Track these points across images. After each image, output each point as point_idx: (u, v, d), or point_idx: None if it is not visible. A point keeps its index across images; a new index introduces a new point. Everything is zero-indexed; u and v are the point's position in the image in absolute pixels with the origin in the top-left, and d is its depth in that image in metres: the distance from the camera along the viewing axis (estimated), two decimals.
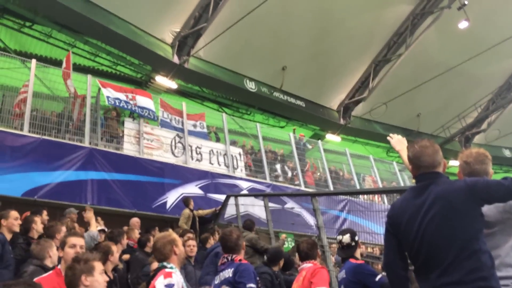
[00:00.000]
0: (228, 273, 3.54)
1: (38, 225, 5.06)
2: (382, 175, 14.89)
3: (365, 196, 13.22)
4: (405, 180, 14.70)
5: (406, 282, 2.44)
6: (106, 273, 4.12)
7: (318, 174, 14.07)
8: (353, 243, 3.91)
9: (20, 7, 13.10)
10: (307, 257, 3.96)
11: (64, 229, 4.89)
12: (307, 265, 3.88)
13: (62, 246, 3.45)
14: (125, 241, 5.73)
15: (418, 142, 2.49)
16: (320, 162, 14.21)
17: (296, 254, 4.97)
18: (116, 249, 4.45)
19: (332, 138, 19.24)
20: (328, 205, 11.26)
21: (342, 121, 19.44)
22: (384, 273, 3.54)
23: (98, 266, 2.76)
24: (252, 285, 3.37)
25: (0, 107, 9.87)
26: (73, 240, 3.49)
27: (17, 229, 5.03)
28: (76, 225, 6.49)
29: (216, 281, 3.59)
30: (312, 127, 19.81)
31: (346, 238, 3.93)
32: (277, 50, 16.51)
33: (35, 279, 3.21)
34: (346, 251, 3.91)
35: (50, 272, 3.38)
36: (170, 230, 4.55)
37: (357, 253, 3.90)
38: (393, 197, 13.65)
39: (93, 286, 2.67)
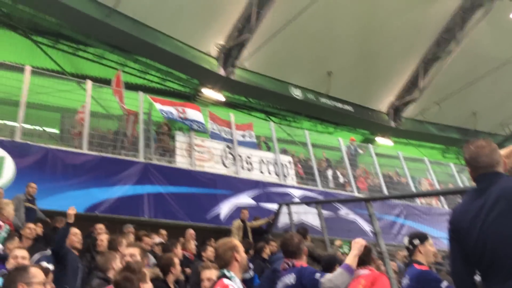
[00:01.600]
0: (289, 278, 3.50)
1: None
2: (439, 178, 14.31)
3: (423, 200, 12.75)
4: (464, 181, 14.06)
5: None
6: (167, 284, 4.22)
7: (371, 179, 13.75)
8: (411, 246, 3.74)
9: (73, 32, 13.84)
10: (362, 262, 3.81)
11: (125, 241, 5.03)
12: (364, 271, 3.73)
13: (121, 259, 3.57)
14: (179, 250, 5.79)
15: (473, 143, 2.38)
16: (372, 167, 13.89)
17: None
18: (178, 262, 4.51)
19: (383, 142, 18.77)
20: (383, 211, 10.99)
21: (392, 124, 18.93)
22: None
23: (147, 273, 2.86)
24: (319, 274, 3.35)
25: (60, 128, 10.44)
26: (130, 251, 3.62)
27: (78, 245, 5.27)
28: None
29: (278, 287, 3.56)
30: (362, 132, 19.43)
31: (405, 241, 3.80)
32: (322, 55, 16.38)
33: None
34: (409, 254, 3.79)
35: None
36: (231, 238, 4.55)
37: (419, 258, 3.71)
38: (452, 200, 13.16)
39: None
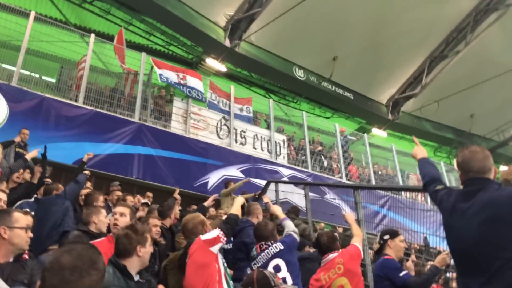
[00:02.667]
0: (275, 247, 3.68)
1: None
2: None
3: (408, 194, 12.90)
4: (452, 181, 14.21)
5: None
6: None
7: (361, 168, 13.85)
8: (381, 241, 3.91)
9: None
10: (328, 250, 3.93)
11: (101, 198, 5.02)
12: (333, 254, 3.84)
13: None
14: (173, 215, 5.87)
15: (467, 147, 2.44)
16: (364, 156, 13.97)
17: None
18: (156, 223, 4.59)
19: (378, 133, 18.80)
20: (369, 200, 11.08)
21: (390, 116, 18.94)
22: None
23: (149, 238, 2.89)
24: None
25: (58, 78, 10.38)
26: (120, 209, 3.65)
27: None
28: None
29: (259, 263, 3.63)
30: (358, 120, 19.44)
31: (377, 238, 3.99)
32: (330, 39, 16.23)
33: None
34: (378, 250, 3.95)
35: (103, 238, 3.53)
36: (198, 213, 4.68)
37: (389, 251, 3.84)
38: None
39: (144, 257, 2.78)
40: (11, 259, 2.59)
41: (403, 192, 12.69)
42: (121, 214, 3.64)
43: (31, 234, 2.65)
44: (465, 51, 17.11)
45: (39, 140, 8.02)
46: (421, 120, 19.62)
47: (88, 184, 6.77)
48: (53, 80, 10.89)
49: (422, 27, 16.48)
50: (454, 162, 3.13)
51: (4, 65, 9.60)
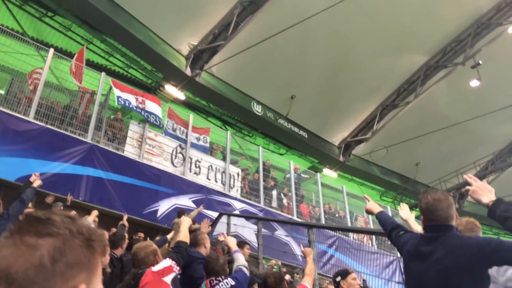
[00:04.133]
0: (226, 284, 3.54)
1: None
2: (374, 218, 14.76)
3: (355, 235, 13.11)
4: None
5: None
6: None
7: (312, 206, 13.99)
8: (335, 285, 3.94)
9: None
10: None
11: None
12: None
13: None
14: (125, 245, 5.59)
15: (431, 193, 2.42)
16: (315, 195, 14.15)
17: None
18: (108, 251, 4.36)
19: (329, 173, 19.22)
20: (318, 239, 11.17)
21: (341, 158, 19.47)
22: None
23: None
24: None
25: (7, 89, 9.87)
26: None
27: None
28: None
29: None
30: (311, 159, 19.81)
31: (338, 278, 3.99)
32: (290, 79, 16.66)
33: None
34: None
35: None
36: (149, 241, 4.51)
37: None
38: (383, 241, 13.63)
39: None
40: None
41: (350, 234, 12.88)
42: None
43: None
44: (414, 102, 18.08)
45: None
46: (370, 164, 20.31)
47: (30, 204, 6.35)
48: (2, 92, 10.37)
49: (376, 76, 17.33)
50: (400, 208, 3.28)
51: None
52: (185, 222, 3.67)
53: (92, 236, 0.77)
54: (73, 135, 9.33)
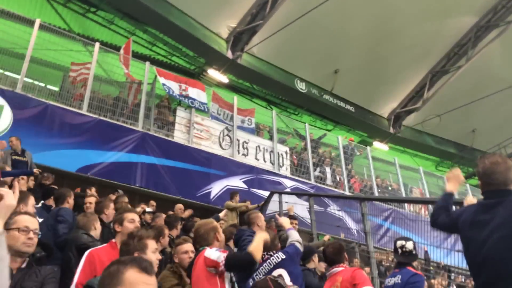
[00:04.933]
0: (277, 257, 3.61)
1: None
2: (430, 189, 14.37)
3: (411, 207, 12.81)
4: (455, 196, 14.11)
5: None
6: None
7: (364, 181, 13.78)
8: (414, 252, 3.85)
9: None
10: (333, 262, 3.83)
11: (112, 205, 5.00)
12: (338, 269, 3.73)
13: (120, 221, 3.50)
14: (179, 226, 5.78)
15: (488, 157, 2.36)
16: (366, 169, 13.91)
17: None
18: (167, 233, 4.54)
19: (380, 146, 18.77)
20: (372, 213, 11.03)
21: (391, 130, 18.95)
22: None
23: (151, 244, 2.79)
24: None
25: (61, 86, 10.35)
26: (131, 215, 3.54)
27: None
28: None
29: (261, 274, 3.56)
30: (360, 133, 19.44)
31: (410, 244, 3.93)
32: (332, 53, 16.29)
33: (90, 250, 3.30)
34: (408, 257, 3.87)
35: (105, 244, 3.45)
36: (210, 218, 4.59)
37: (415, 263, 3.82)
38: None
39: None
40: (23, 265, 2.51)
41: (406, 206, 12.61)
42: (131, 221, 3.55)
43: (31, 235, 2.52)
44: (466, 66, 17.17)
45: (43, 147, 7.98)
46: (422, 135, 19.64)
47: (93, 190, 6.69)
48: (56, 88, 10.87)
49: (423, 42, 16.57)
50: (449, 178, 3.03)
51: (7, 73, 9.57)
52: (261, 236, 3.31)
53: None
54: (125, 124, 9.67)
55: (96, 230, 4.04)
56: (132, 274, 1.53)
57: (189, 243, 3.88)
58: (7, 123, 7.90)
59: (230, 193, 9.15)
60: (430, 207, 13.10)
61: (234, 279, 3.19)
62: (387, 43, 16.36)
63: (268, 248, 3.71)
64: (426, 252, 8.69)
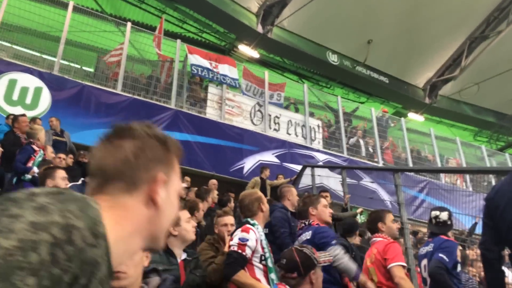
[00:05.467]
0: (306, 236, 3.62)
1: None
2: (468, 160, 14.03)
3: (448, 178, 12.57)
4: (493, 165, 13.74)
5: (496, 262, 2.34)
6: None
7: (398, 152, 13.58)
8: (449, 222, 3.83)
9: None
10: (370, 231, 3.88)
11: None
12: (376, 239, 3.76)
13: None
14: (210, 199, 5.91)
15: None
16: (401, 141, 13.69)
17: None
18: (202, 207, 4.64)
19: (415, 117, 18.35)
20: (407, 184, 10.93)
21: (427, 100, 18.44)
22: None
23: (183, 215, 2.87)
24: (335, 241, 3.40)
25: (96, 66, 10.62)
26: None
27: None
28: None
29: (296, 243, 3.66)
30: (394, 105, 19.03)
31: (444, 215, 3.88)
32: (364, 23, 15.86)
33: None
34: (441, 227, 3.85)
35: None
36: (256, 189, 4.67)
37: (450, 233, 3.80)
38: (479, 183, 12.93)
39: (182, 234, 2.82)
40: None
41: (442, 177, 12.38)
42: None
43: None
44: (507, 31, 16.34)
45: (81, 127, 8.28)
46: (460, 104, 19.01)
47: None
48: (91, 69, 11.17)
49: (461, 7, 15.84)
50: None
51: (44, 56, 9.90)
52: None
53: (166, 139, 0.93)
54: (158, 102, 9.87)
55: None
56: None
57: (230, 216, 3.89)
58: (47, 104, 8.23)
59: (260, 167, 9.25)
60: (467, 177, 12.87)
61: (266, 255, 3.15)
62: (422, 10, 15.76)
63: (304, 216, 3.79)
64: (475, 223, 8.53)
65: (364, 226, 7.51)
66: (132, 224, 0.82)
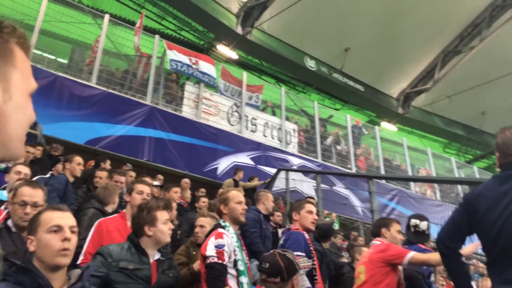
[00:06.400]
0: (281, 240, 3.62)
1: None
2: (438, 171, 14.35)
3: (418, 188, 12.82)
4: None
5: (457, 256, 2.36)
6: None
7: (371, 160, 13.76)
8: (427, 232, 3.83)
9: None
10: (373, 234, 3.89)
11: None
12: (376, 242, 3.74)
13: (129, 191, 3.53)
14: (175, 194, 5.77)
15: (508, 128, 2.31)
16: (374, 149, 13.88)
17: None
18: (175, 206, 4.54)
19: (388, 127, 18.67)
20: (378, 192, 11.06)
21: (400, 110, 18.80)
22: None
23: (161, 216, 2.78)
24: (299, 253, 3.37)
25: (70, 57, 10.33)
26: (140, 187, 3.56)
27: (78, 174, 5.26)
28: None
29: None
30: (368, 113, 19.32)
31: (424, 224, 3.86)
32: (343, 31, 16.05)
33: (99, 220, 3.34)
34: (420, 237, 3.82)
35: (115, 215, 3.49)
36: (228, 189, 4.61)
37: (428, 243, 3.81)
38: (447, 194, 13.24)
39: (157, 236, 2.72)
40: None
41: (412, 186, 12.61)
42: (140, 192, 3.55)
43: (28, 210, 2.50)
44: (479, 47, 16.83)
45: (52, 119, 8.01)
46: (431, 116, 19.47)
47: (107, 164, 6.75)
48: (65, 61, 10.85)
49: (437, 21, 16.24)
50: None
51: None
52: None
53: None
54: (133, 98, 9.66)
55: (114, 204, 4.05)
56: (46, 214, 1.89)
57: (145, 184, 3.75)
58: None
59: (234, 169, 9.19)
60: (436, 188, 13.11)
61: (237, 257, 3.07)
62: (399, 21, 16.08)
63: (290, 220, 3.80)
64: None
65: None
66: None
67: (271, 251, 2.96)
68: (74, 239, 1.92)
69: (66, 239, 1.85)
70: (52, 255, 1.81)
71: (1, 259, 0.98)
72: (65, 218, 1.92)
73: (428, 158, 14.39)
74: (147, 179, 5.99)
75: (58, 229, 1.87)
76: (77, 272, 1.90)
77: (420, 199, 11.95)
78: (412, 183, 12.78)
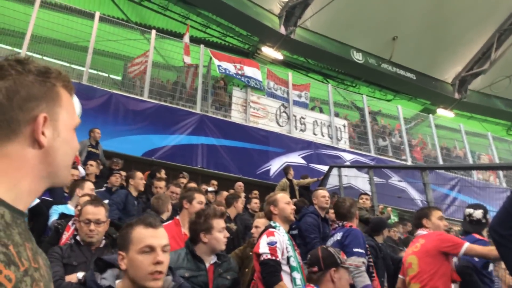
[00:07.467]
0: (337, 236, 3.64)
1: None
2: (500, 155, 13.62)
3: (480, 175, 12.25)
4: None
5: (509, 243, 2.28)
6: None
7: (428, 150, 13.32)
8: (484, 220, 3.69)
9: None
10: (415, 226, 3.85)
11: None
12: (422, 232, 3.69)
13: (189, 199, 3.67)
14: (239, 204, 5.83)
15: None
16: (430, 138, 13.42)
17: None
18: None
19: (444, 113, 17.95)
20: (437, 182, 10.70)
21: (457, 95, 18.01)
22: None
23: (217, 224, 2.84)
24: (359, 250, 3.39)
25: (123, 75, 10.86)
26: (201, 197, 3.71)
27: (142, 188, 5.56)
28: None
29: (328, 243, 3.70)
30: (422, 101, 18.67)
31: (478, 213, 3.72)
32: (389, 19, 15.63)
33: None
34: (475, 226, 3.69)
35: (170, 221, 3.67)
36: (275, 192, 4.71)
37: (484, 232, 3.67)
38: None
39: (211, 244, 2.79)
40: (101, 245, 2.87)
41: (474, 174, 12.07)
42: (200, 202, 3.69)
43: (92, 227, 2.76)
44: None
45: (110, 135, 8.48)
46: (491, 98, 18.49)
47: (163, 173, 7.07)
48: (119, 77, 11.43)
49: (487, 0, 15.42)
50: None
51: (73, 66, 10.18)
52: None
53: (48, 71, 0.87)
54: (184, 108, 10.01)
55: (168, 212, 4.29)
56: (139, 231, 1.79)
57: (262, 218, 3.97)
58: (77, 113, 8.46)
59: (283, 168, 9.24)
60: (500, 173, 12.50)
61: (290, 254, 3.16)
62: (447, 4, 15.44)
63: (343, 216, 3.82)
64: None
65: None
66: (20, 170, 0.81)
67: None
68: (167, 259, 1.83)
69: (158, 263, 1.76)
70: (143, 278, 1.75)
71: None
72: (157, 237, 1.82)
73: (489, 143, 13.69)
74: (202, 187, 6.24)
75: (150, 250, 1.78)
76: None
77: (483, 187, 11.40)
78: (473, 171, 12.23)
